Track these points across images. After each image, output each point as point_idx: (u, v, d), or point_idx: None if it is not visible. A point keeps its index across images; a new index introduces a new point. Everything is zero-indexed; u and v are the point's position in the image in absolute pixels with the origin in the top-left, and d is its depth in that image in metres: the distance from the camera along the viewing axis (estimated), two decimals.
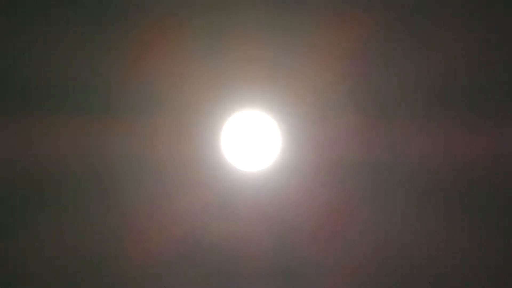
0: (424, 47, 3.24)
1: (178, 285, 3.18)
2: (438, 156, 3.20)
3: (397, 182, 3.23)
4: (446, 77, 3.23)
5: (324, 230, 3.33)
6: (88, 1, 3.14)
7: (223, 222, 3.33)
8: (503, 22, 3.20)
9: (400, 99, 3.24)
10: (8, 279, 3.02)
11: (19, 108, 3.12)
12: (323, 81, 3.35)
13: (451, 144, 3.19)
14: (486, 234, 3.16)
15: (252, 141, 3.55)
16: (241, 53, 3.33)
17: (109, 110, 3.19)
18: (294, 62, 3.33)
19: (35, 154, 3.14)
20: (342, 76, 3.29)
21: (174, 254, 3.26)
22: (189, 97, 3.36)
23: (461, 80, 3.24)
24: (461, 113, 3.21)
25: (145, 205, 3.25)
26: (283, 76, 3.38)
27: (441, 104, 3.23)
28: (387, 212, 3.24)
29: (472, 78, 3.25)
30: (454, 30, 3.22)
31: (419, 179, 3.21)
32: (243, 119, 3.54)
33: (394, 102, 3.26)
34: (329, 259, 3.27)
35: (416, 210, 3.24)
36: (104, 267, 3.17)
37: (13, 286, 3.02)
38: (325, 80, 3.34)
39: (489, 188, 3.21)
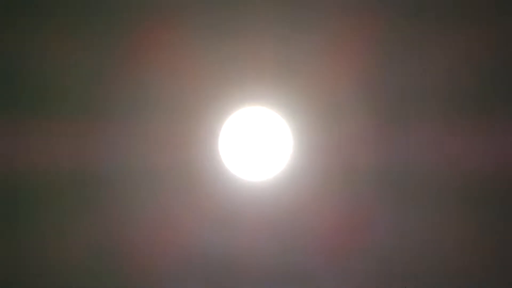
0: (441, 48, 3.15)
1: None
2: (456, 159, 3.12)
3: (417, 187, 3.14)
4: (463, 79, 3.15)
5: (341, 251, 3.19)
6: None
7: (224, 239, 3.18)
8: None
9: (417, 98, 3.15)
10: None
11: (12, 110, 3.08)
12: (340, 75, 3.20)
13: (468, 147, 3.12)
14: (508, 236, 3.07)
15: (257, 144, 3.29)
16: (245, 43, 3.19)
17: (95, 112, 3.12)
18: (307, 55, 3.18)
19: (27, 158, 3.08)
20: (359, 70, 3.16)
21: (170, 269, 3.17)
22: (182, 91, 3.22)
23: (478, 82, 3.15)
24: (478, 115, 3.14)
25: (139, 215, 3.16)
26: (294, 68, 3.22)
27: (458, 106, 3.14)
28: (407, 220, 3.15)
29: (490, 79, 3.15)
30: (471, 31, 3.13)
31: (439, 184, 3.13)
32: (245, 117, 3.28)
33: (413, 101, 3.16)
34: (345, 275, 3.15)
35: (435, 216, 3.16)
36: (98, 280, 3.11)
37: None
38: (343, 73, 3.19)
39: (509, 191, 3.12)
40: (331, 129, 3.26)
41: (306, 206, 3.27)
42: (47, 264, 3.12)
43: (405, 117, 3.19)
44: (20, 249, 3.11)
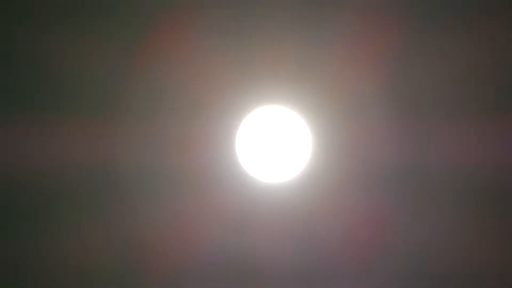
0: (464, 46, 3.14)
1: None
2: (479, 160, 3.11)
3: (440, 188, 3.12)
4: (487, 79, 3.13)
5: (360, 254, 3.17)
6: None
7: (241, 241, 3.16)
8: None
9: (440, 97, 3.14)
10: None
11: (27, 110, 3.10)
12: (361, 72, 3.17)
13: (490, 147, 3.11)
14: None
15: (275, 145, 3.22)
16: (262, 40, 3.17)
17: (111, 111, 3.11)
18: (326, 52, 3.16)
19: (35, 158, 3.08)
20: (380, 68, 3.14)
21: (185, 270, 3.15)
22: (198, 90, 3.20)
23: (503, 81, 3.14)
24: (503, 115, 3.12)
25: (153, 216, 3.15)
26: (313, 65, 3.19)
27: (482, 106, 3.12)
28: (429, 221, 3.14)
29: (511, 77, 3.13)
30: (490, 28, 3.12)
31: (462, 184, 3.12)
32: (263, 117, 3.22)
33: (436, 100, 3.15)
34: (364, 278, 3.14)
35: (459, 217, 3.14)
36: (113, 280, 3.09)
37: None
38: (364, 71, 3.17)
39: None
40: (351, 128, 3.24)
41: (326, 209, 3.24)
42: (61, 264, 3.11)
43: (428, 116, 3.18)
44: (33, 249, 3.12)
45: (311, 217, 3.24)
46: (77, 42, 3.12)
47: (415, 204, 3.18)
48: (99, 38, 3.13)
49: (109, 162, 3.12)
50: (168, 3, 3.18)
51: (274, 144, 3.24)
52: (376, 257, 3.16)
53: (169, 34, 3.17)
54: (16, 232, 3.10)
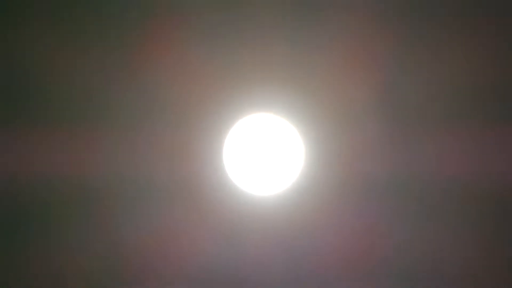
0: (460, 54, 3.16)
1: None
2: (476, 170, 3.12)
3: (437, 198, 3.12)
4: (480, 86, 3.13)
5: (356, 269, 3.13)
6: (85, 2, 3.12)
7: (230, 258, 3.13)
8: None
9: (435, 106, 3.14)
10: None
11: (13, 117, 3.12)
12: (355, 80, 3.16)
13: (488, 156, 3.12)
14: None
15: (265, 155, 3.16)
16: (252, 45, 3.15)
17: (98, 120, 3.13)
18: (319, 58, 3.15)
19: (29, 167, 3.11)
20: (375, 75, 3.13)
21: (171, 286, 3.14)
22: (184, 96, 3.17)
23: (495, 89, 3.14)
24: (502, 123, 3.13)
25: (138, 229, 3.13)
26: (306, 71, 3.18)
27: (479, 115, 3.13)
28: (427, 233, 3.14)
29: (506, 86, 3.15)
30: (486, 36, 3.14)
31: (460, 194, 3.13)
32: (252, 125, 3.17)
33: (431, 109, 3.14)
34: None
35: (456, 228, 3.15)
36: None
37: None
38: (358, 78, 3.16)
39: None
40: (346, 138, 3.20)
41: (319, 223, 3.20)
42: (44, 276, 3.12)
43: (423, 125, 3.18)
44: (15, 262, 3.12)
45: (303, 232, 3.20)
46: (64, 50, 3.14)
47: (413, 217, 3.17)
48: (86, 45, 3.14)
49: (93, 173, 3.11)
50: (155, 12, 3.17)
51: (264, 154, 3.19)
52: (371, 271, 3.15)
53: (157, 42, 3.15)
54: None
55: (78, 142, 3.13)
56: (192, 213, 3.16)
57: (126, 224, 3.15)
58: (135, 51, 3.15)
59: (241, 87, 3.21)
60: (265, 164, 3.18)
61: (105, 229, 3.14)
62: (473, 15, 3.19)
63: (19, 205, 3.11)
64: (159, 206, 3.16)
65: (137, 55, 3.15)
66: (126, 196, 3.15)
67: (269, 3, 3.16)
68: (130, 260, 3.15)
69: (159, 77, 3.17)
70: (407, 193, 3.14)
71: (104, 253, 3.15)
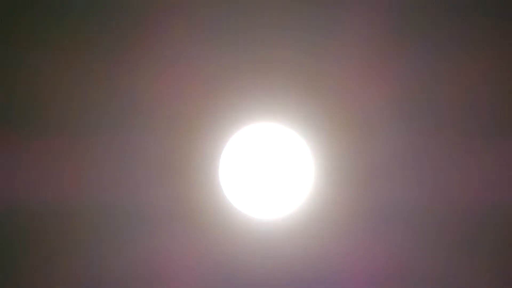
0: (480, 64, 3.20)
1: None
2: (502, 195, 3.15)
3: (463, 228, 3.17)
4: (503, 98, 3.20)
5: None
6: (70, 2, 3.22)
7: None
8: None
9: (453, 116, 3.19)
10: None
11: None
12: (370, 87, 3.19)
13: (500, 181, 3.15)
14: None
15: (268, 172, 3.13)
16: (254, 47, 3.17)
17: (83, 129, 3.17)
18: (330, 62, 3.19)
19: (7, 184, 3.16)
20: (390, 82, 3.19)
21: None
22: (174, 104, 3.18)
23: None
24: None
25: (123, 254, 3.16)
26: (315, 76, 3.19)
27: (503, 133, 3.19)
28: (452, 268, 3.16)
29: None
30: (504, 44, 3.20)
31: (486, 223, 3.16)
32: (253, 136, 3.15)
33: (448, 118, 3.19)
34: None
35: (482, 260, 3.16)
36: None
37: None
38: (373, 86, 3.19)
39: None
40: (364, 153, 3.17)
41: (331, 252, 3.16)
42: None
43: (449, 139, 3.18)
44: None
45: (313, 262, 3.16)
46: (45, 55, 3.17)
47: (436, 248, 3.17)
48: (71, 46, 3.17)
49: (77, 193, 3.14)
50: (144, 15, 3.18)
51: (267, 171, 3.15)
52: None
53: (146, 43, 3.18)
54: None
55: (58, 158, 3.17)
56: (183, 240, 3.15)
57: (108, 249, 3.17)
58: (126, 55, 3.18)
59: (240, 93, 3.20)
60: (268, 183, 3.15)
61: (85, 249, 3.16)
62: (497, 23, 3.20)
63: None
64: (145, 232, 3.17)
65: (127, 60, 3.18)
66: (110, 220, 3.17)
67: (273, 2, 3.20)
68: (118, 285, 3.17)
69: (143, 80, 3.19)
70: (433, 220, 3.17)
71: (87, 279, 3.17)
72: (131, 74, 3.18)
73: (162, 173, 3.15)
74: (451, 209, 3.15)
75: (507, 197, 3.16)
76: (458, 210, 3.15)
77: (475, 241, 3.15)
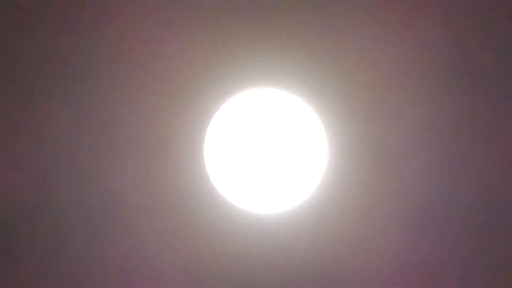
0: None
1: None
2: None
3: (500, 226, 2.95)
4: None
5: None
6: None
7: None
8: None
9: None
10: None
11: None
12: (395, 46, 2.88)
13: None
14: None
15: (267, 153, 2.71)
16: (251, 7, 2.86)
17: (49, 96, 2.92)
18: (345, 18, 2.87)
19: None
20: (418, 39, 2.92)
21: None
22: (154, 67, 2.84)
23: None
24: None
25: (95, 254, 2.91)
26: (327, 34, 2.86)
27: None
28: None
29: None
30: None
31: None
32: (248, 104, 2.74)
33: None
34: None
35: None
36: None
37: None
38: (399, 45, 2.89)
39: None
40: (386, 127, 2.85)
41: (347, 251, 2.86)
42: None
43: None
44: None
45: (323, 264, 2.88)
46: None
47: (460, 236, 2.91)
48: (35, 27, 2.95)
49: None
50: None
51: (266, 153, 2.74)
52: None
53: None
54: None
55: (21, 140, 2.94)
56: (161, 237, 2.83)
57: (85, 238, 2.93)
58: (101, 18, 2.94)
59: (233, 52, 2.88)
60: (268, 170, 2.75)
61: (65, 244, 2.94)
62: None
63: None
64: (114, 226, 2.89)
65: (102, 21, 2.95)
66: (83, 206, 2.92)
67: None
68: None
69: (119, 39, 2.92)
70: (466, 213, 2.92)
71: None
72: (108, 35, 2.89)
73: (143, 153, 2.85)
74: (485, 201, 2.93)
75: None
76: (494, 202, 2.95)
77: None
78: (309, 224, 2.88)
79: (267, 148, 2.75)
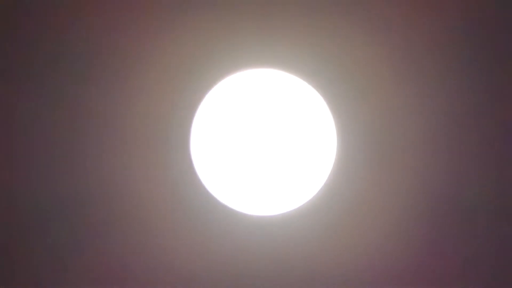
0: None
1: None
2: None
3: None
4: None
5: None
6: None
7: None
8: None
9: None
10: None
11: None
12: (405, 28, 2.68)
13: None
14: None
15: (267, 144, 2.46)
16: None
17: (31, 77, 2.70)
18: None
19: None
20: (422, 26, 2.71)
21: None
22: (140, 48, 2.60)
23: None
24: None
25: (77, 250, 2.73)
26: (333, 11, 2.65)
27: None
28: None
29: None
30: None
31: None
32: (241, 86, 2.49)
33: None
34: None
35: None
36: None
37: None
38: (407, 27, 2.69)
39: None
40: (400, 117, 2.64)
41: (360, 257, 2.68)
42: None
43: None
44: None
45: (329, 267, 2.68)
46: None
47: (479, 234, 2.79)
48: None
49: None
50: None
51: (265, 143, 2.50)
52: None
53: None
54: None
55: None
56: (146, 240, 2.61)
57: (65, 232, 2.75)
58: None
59: (228, 31, 2.71)
60: (267, 167, 2.51)
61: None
62: None
63: None
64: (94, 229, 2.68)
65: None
66: (60, 198, 2.73)
67: None
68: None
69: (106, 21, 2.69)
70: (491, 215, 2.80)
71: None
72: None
73: (126, 133, 2.65)
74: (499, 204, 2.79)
75: None
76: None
77: None
78: (315, 226, 2.68)
79: (266, 140, 2.52)
